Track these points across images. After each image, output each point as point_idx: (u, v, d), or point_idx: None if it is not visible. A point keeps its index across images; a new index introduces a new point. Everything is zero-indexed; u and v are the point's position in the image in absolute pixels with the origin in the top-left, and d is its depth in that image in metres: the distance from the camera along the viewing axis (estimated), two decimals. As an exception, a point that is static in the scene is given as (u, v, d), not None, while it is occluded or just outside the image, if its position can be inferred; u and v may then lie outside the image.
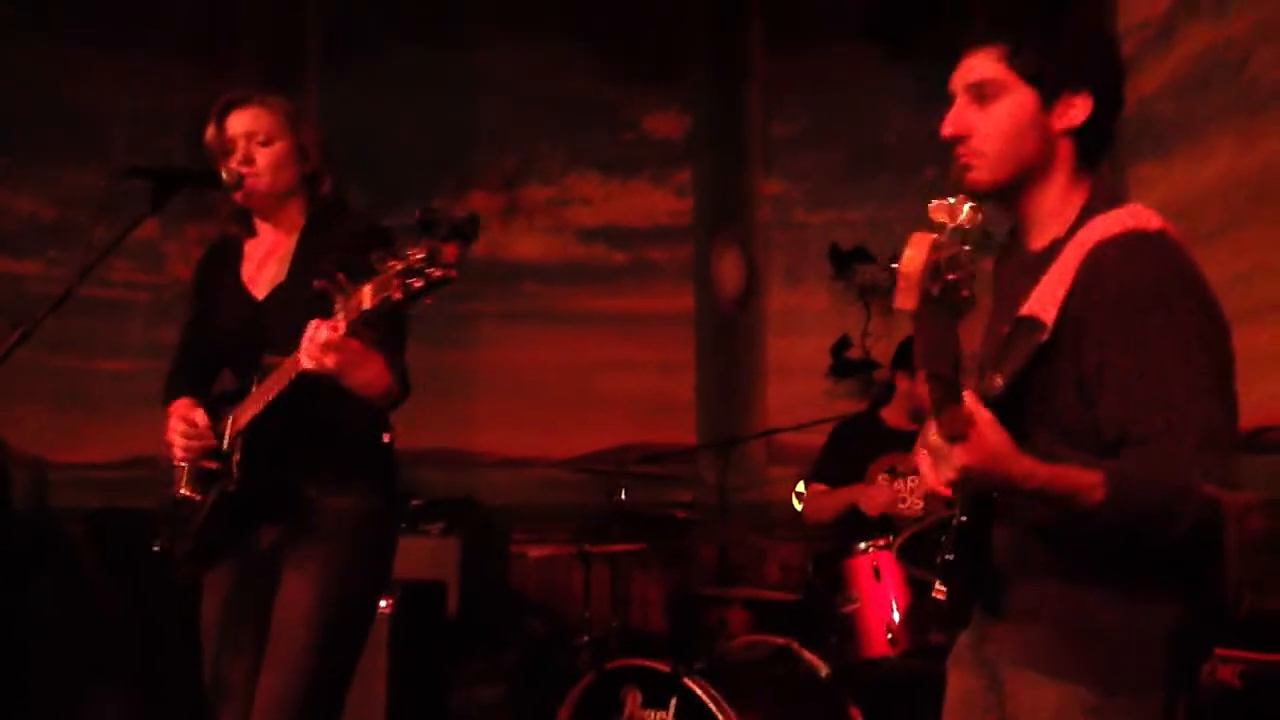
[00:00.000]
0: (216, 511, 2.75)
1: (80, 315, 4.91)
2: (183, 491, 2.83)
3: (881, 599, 3.67)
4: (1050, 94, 1.89)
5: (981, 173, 1.92)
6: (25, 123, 5.93)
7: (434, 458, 5.89)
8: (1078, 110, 1.90)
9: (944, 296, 1.47)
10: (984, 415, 1.67)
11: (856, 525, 4.14)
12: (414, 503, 5.22)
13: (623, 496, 4.59)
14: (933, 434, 1.69)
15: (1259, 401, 4.10)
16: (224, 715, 2.78)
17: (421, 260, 2.22)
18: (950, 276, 1.47)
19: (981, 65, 1.91)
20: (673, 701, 3.57)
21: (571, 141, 6.43)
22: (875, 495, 4.16)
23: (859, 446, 4.40)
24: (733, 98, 6.42)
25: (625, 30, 6.35)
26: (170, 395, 2.97)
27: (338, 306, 2.35)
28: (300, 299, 2.66)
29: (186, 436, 2.76)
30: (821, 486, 4.43)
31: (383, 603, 4.14)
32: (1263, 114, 4.31)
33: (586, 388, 6.15)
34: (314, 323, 2.39)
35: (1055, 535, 1.87)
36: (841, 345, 5.96)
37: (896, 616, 3.63)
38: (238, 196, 2.82)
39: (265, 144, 2.83)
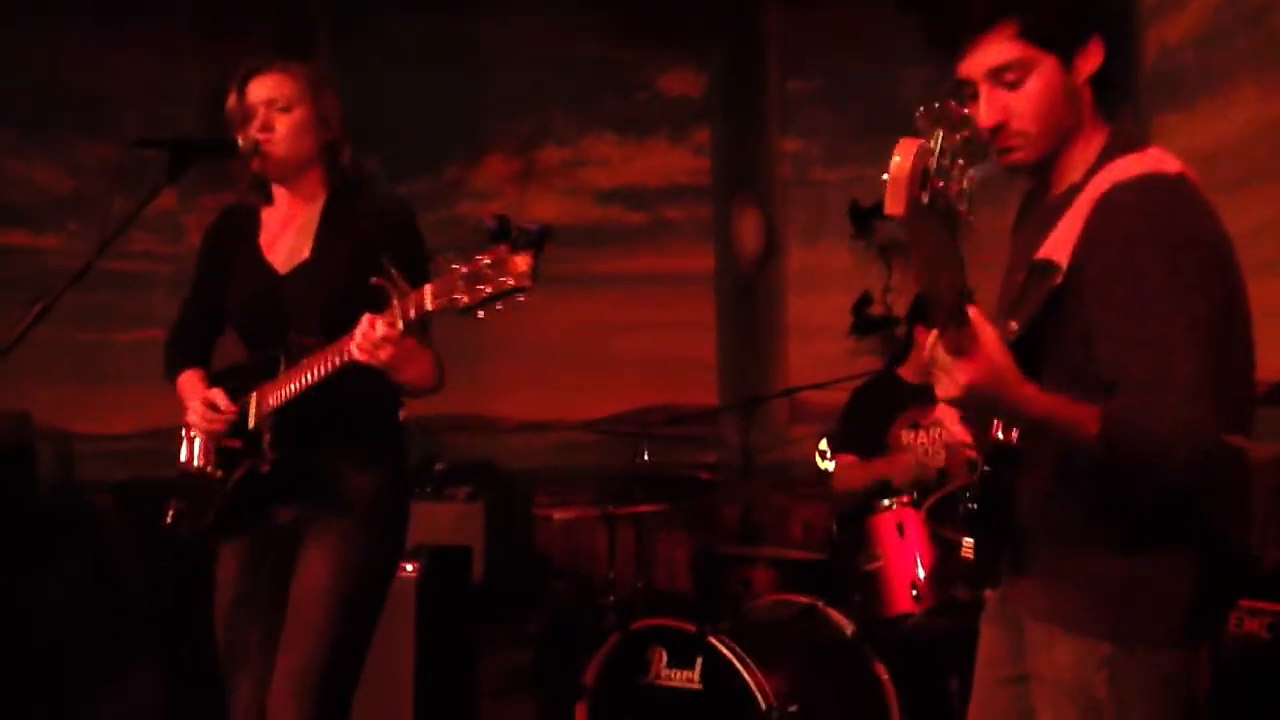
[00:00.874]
0: (241, 488, 2.76)
1: (101, 288, 4.91)
2: (201, 465, 2.85)
3: (906, 556, 3.67)
4: (1068, 54, 1.88)
5: (1025, 152, 1.92)
6: (39, 96, 5.93)
7: (456, 423, 5.90)
8: (1094, 57, 1.89)
9: (935, 204, 1.44)
10: (989, 334, 1.66)
11: (883, 490, 4.14)
12: (437, 468, 5.25)
13: (645, 458, 4.59)
14: (939, 349, 1.67)
15: (1278, 354, 4.08)
16: (239, 683, 2.79)
17: (489, 267, 2.26)
18: (940, 184, 1.44)
19: (997, 49, 1.87)
20: (698, 661, 3.59)
21: (586, 103, 6.39)
22: (905, 463, 4.16)
23: (880, 408, 4.39)
24: (749, 55, 6.37)
25: (638, -11, 6.31)
26: (174, 367, 3.00)
27: (395, 302, 2.35)
28: (325, 277, 2.77)
29: (209, 419, 2.77)
30: (850, 458, 4.42)
31: (409, 567, 4.17)
32: (1286, 63, 4.27)
33: (607, 350, 6.14)
34: (369, 317, 2.39)
35: (1072, 497, 1.87)
36: (862, 302, 5.94)
37: (921, 573, 3.64)
38: (255, 164, 2.81)
39: (285, 110, 2.81)
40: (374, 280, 2.38)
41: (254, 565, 2.84)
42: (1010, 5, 1.86)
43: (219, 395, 2.78)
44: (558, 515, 4.99)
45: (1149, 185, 1.81)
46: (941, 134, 1.44)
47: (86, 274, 2.52)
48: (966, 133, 1.49)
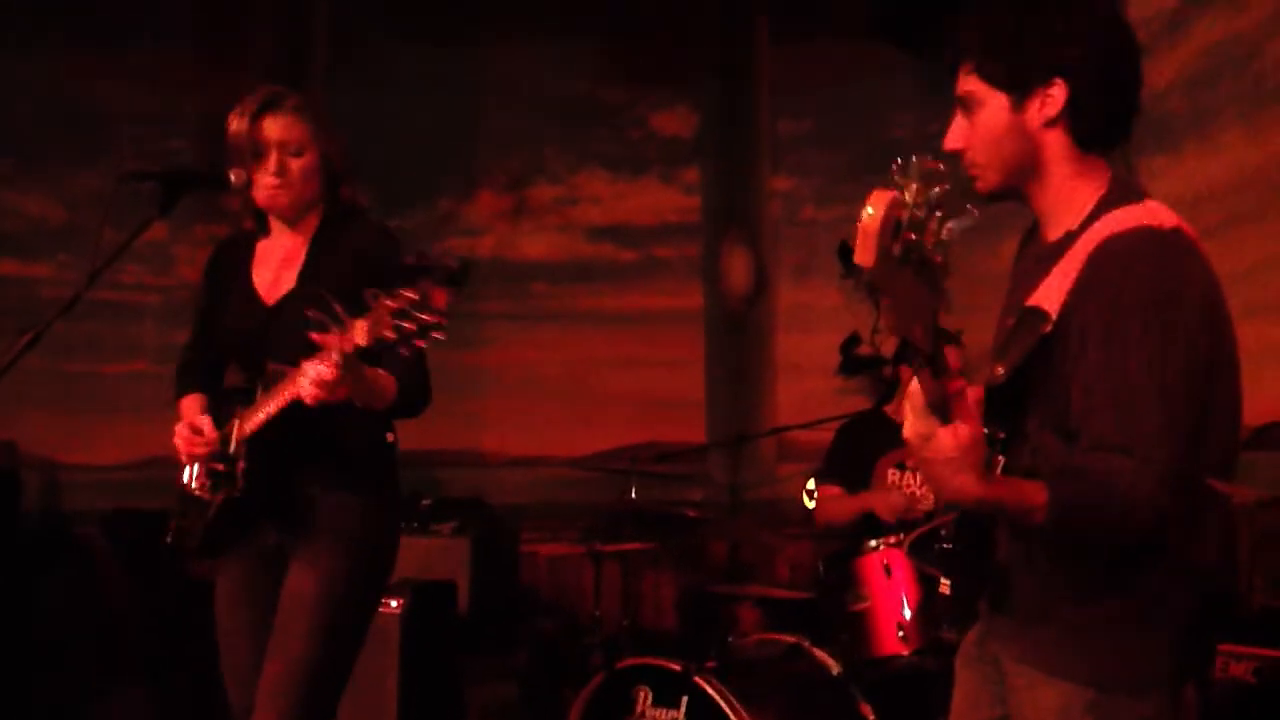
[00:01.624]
0: (224, 511, 2.82)
1: (90, 318, 4.91)
2: (193, 488, 2.88)
3: (892, 596, 3.66)
4: (1019, 95, 1.90)
5: (982, 181, 1.96)
6: (33, 125, 5.94)
7: (443, 458, 5.89)
8: (1053, 101, 1.89)
9: (907, 256, 1.46)
10: (971, 427, 1.68)
11: (868, 524, 4.14)
12: (424, 503, 5.23)
13: (633, 495, 4.58)
14: (916, 391, 1.69)
15: (1267, 397, 4.09)
16: (235, 701, 2.86)
17: (414, 302, 2.29)
18: (912, 236, 1.45)
19: (963, 79, 1.95)
20: (684, 700, 3.57)
21: (579, 140, 6.42)
22: (893, 502, 4.15)
23: (866, 444, 4.39)
24: (740, 95, 6.41)
25: (632, 29, 6.34)
26: (181, 390, 3.04)
27: (332, 340, 2.41)
28: (310, 305, 2.65)
29: (191, 442, 2.82)
30: (835, 490, 4.42)
31: (394, 603, 4.16)
32: (1272, 107, 4.30)
33: (595, 386, 6.15)
34: (308, 362, 2.46)
35: (1050, 539, 1.87)
36: (851, 342, 5.93)
37: (908, 614, 3.62)
38: (260, 199, 2.84)
39: (297, 154, 2.84)
40: (308, 311, 2.43)
41: (247, 589, 2.90)
42: (974, 42, 1.93)
43: (205, 421, 2.82)
44: (544, 551, 4.98)
45: (1141, 239, 1.81)
46: (916, 187, 1.46)
47: (75, 304, 2.52)
48: (943, 186, 1.49)
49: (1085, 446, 1.78)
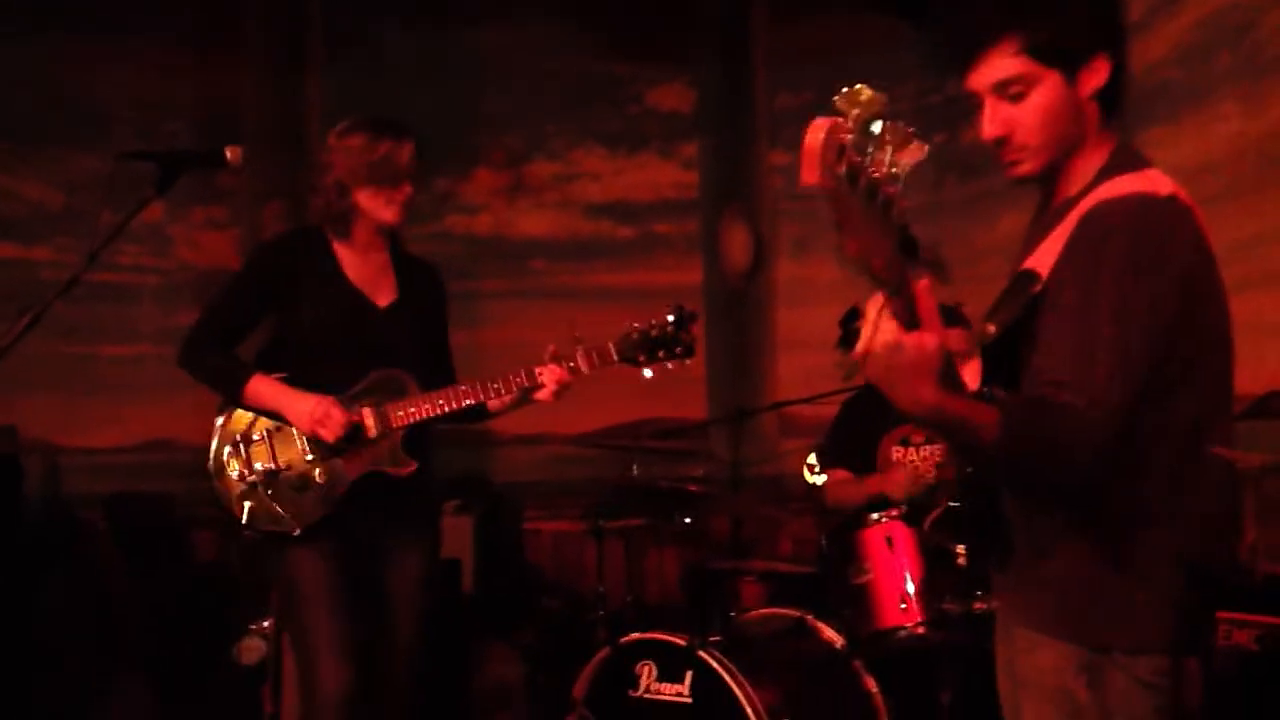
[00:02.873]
0: (352, 493, 3.14)
1: (89, 301, 4.91)
2: (291, 467, 3.15)
3: (895, 569, 3.66)
4: (1072, 69, 1.90)
5: (1028, 164, 1.95)
6: (30, 109, 5.92)
7: (446, 436, 5.89)
8: (1099, 73, 1.91)
9: (854, 179, 1.45)
10: (931, 334, 1.66)
11: (877, 504, 4.14)
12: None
13: (635, 472, 4.59)
14: (878, 309, 1.68)
15: (1271, 366, 4.10)
16: (346, 668, 3.08)
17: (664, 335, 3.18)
18: (857, 159, 1.45)
19: (1001, 63, 1.90)
20: (688, 675, 3.58)
21: (577, 117, 6.41)
22: (900, 480, 4.15)
23: (869, 423, 4.38)
24: (738, 70, 6.39)
25: (629, 4, 6.32)
26: (241, 371, 3.18)
27: (579, 356, 3.16)
28: (415, 317, 3.31)
29: (335, 426, 3.09)
30: (844, 473, 4.41)
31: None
32: (1270, 79, 4.28)
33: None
34: (553, 368, 3.15)
35: (1049, 502, 1.90)
36: (850, 316, 5.93)
37: (910, 586, 3.63)
38: (389, 217, 3.22)
39: (412, 182, 3.24)
40: (552, 347, 3.17)
41: (339, 556, 3.15)
42: (1014, 21, 1.89)
43: (338, 405, 3.10)
44: (548, 528, 4.98)
45: (1130, 204, 1.83)
46: (857, 113, 1.46)
47: (74, 285, 2.52)
48: (883, 114, 1.48)
49: (1041, 381, 1.81)
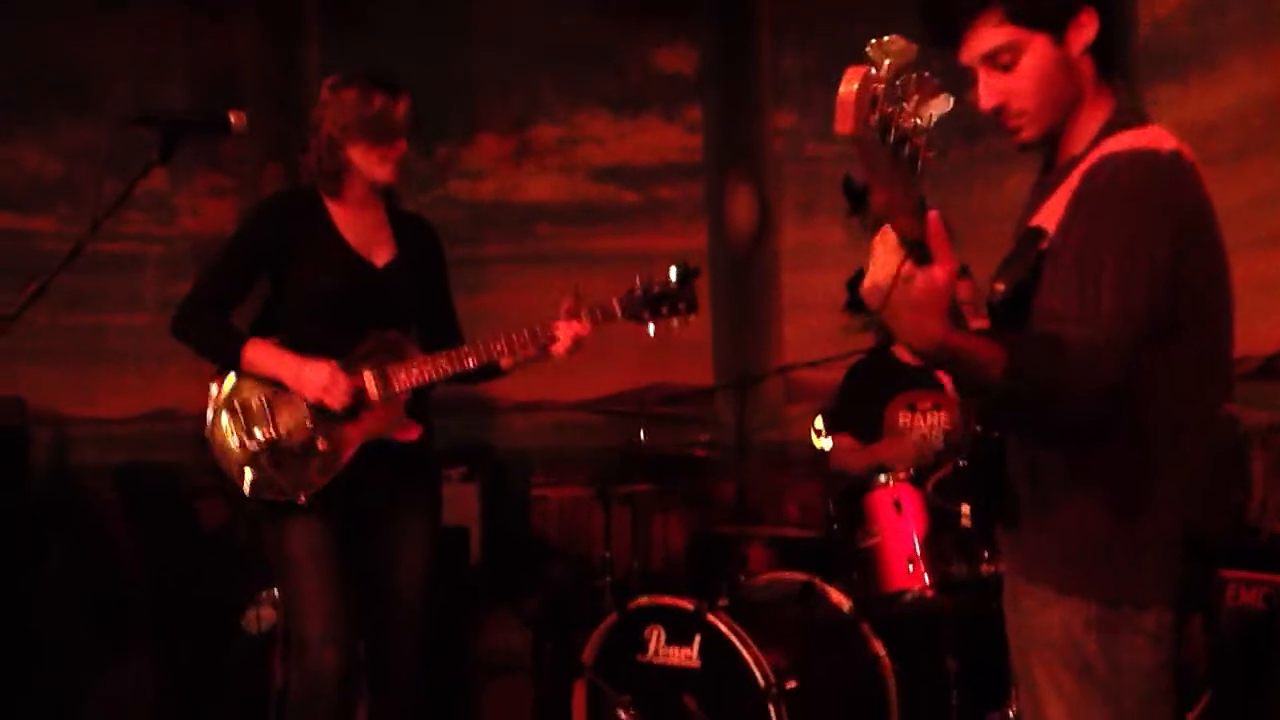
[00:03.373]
0: (362, 454, 3.11)
1: (93, 271, 4.89)
2: (293, 435, 3.10)
3: (903, 532, 3.67)
4: (1059, 28, 1.92)
5: (1029, 130, 1.98)
6: (27, 78, 5.89)
7: (451, 404, 5.88)
8: (1088, 28, 1.93)
9: (885, 130, 1.46)
10: (943, 269, 1.65)
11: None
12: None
13: (641, 438, 4.59)
14: (889, 235, 1.67)
15: (1275, 327, 4.08)
16: (342, 642, 3.07)
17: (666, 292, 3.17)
18: (889, 109, 1.46)
19: (987, 35, 1.93)
20: (697, 638, 3.59)
21: (579, 81, 6.36)
22: (904, 452, 4.14)
23: (876, 388, 4.36)
24: (742, 31, 6.34)
25: (630, -35, 6.27)
26: (235, 338, 3.13)
27: (583, 313, 3.13)
28: (415, 275, 3.25)
29: (340, 393, 3.05)
30: (849, 440, 4.40)
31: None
32: (1279, 36, 4.25)
33: (601, 329, 6.10)
34: (568, 323, 3.13)
35: (1055, 458, 1.92)
36: (857, 279, 5.88)
37: (918, 549, 3.63)
38: (382, 174, 3.15)
39: (405, 140, 3.20)
40: (566, 302, 3.15)
41: (338, 530, 3.13)
42: None
43: (341, 371, 3.06)
44: (554, 495, 4.99)
45: (1135, 159, 1.85)
46: (889, 63, 1.46)
47: (79, 254, 2.51)
48: (918, 70, 1.49)
49: (1048, 318, 1.83)
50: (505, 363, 3.23)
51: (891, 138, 1.47)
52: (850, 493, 3.90)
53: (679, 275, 3.17)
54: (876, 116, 1.45)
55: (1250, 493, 3.36)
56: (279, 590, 3.33)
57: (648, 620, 3.70)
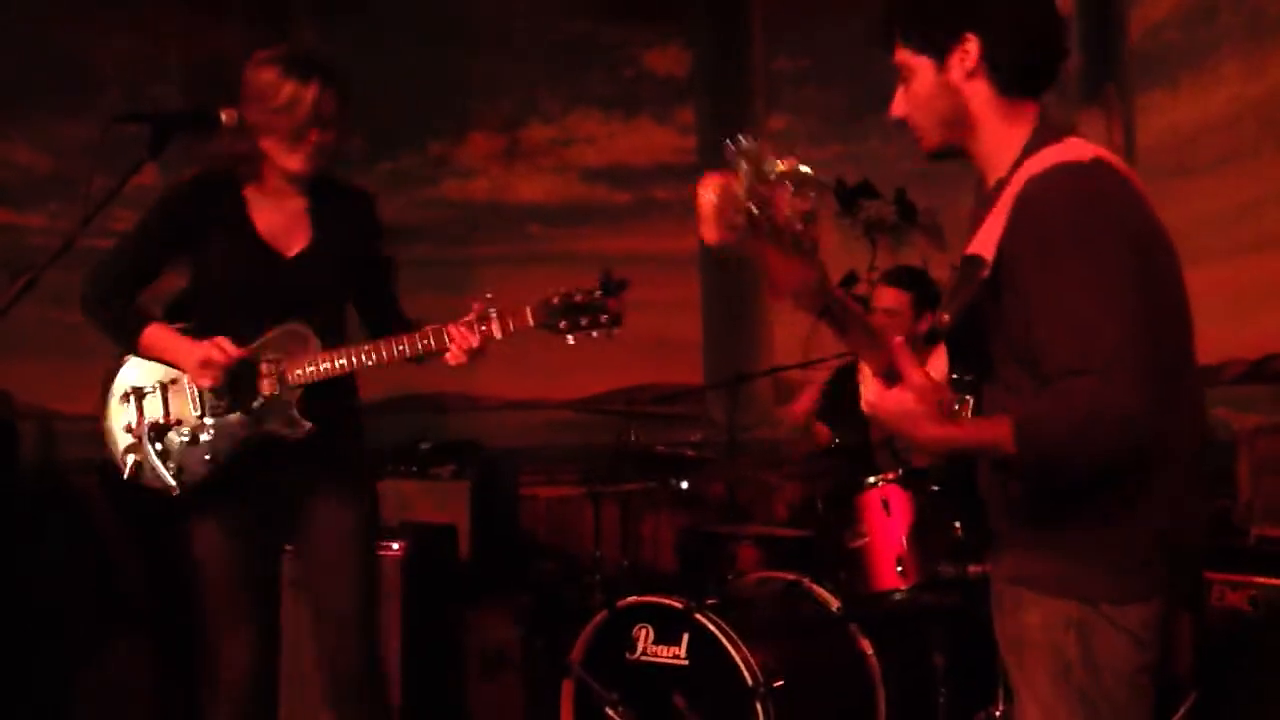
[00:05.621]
0: (247, 449, 2.96)
1: (84, 266, 4.88)
2: (180, 421, 2.99)
3: (891, 532, 3.68)
4: (940, 55, 2.05)
5: (924, 142, 2.13)
6: (18, 74, 5.88)
7: (441, 402, 5.90)
8: (969, 54, 2.03)
9: (754, 226, 1.53)
10: (916, 378, 1.80)
11: (865, 460, 4.15)
12: (423, 447, 5.24)
13: (631, 437, 4.59)
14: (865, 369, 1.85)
15: (1267, 330, 4.09)
16: (236, 641, 2.99)
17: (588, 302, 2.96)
18: (753, 209, 1.53)
19: (897, 53, 2.11)
20: (685, 637, 3.60)
21: (572, 81, 6.36)
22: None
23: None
24: (734, 33, 6.35)
25: (623, -34, 6.28)
26: (135, 320, 3.03)
27: (492, 320, 2.91)
28: (327, 265, 3.05)
29: (223, 368, 2.90)
30: (825, 430, 4.46)
31: (394, 546, 4.18)
32: (1270, 41, 4.26)
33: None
34: (463, 331, 2.90)
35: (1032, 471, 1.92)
36: (847, 281, 5.93)
37: (906, 549, 3.64)
38: (302, 165, 2.95)
39: (334, 128, 2.96)
40: (477, 304, 2.92)
41: (241, 532, 3.00)
42: (893, 15, 2.12)
43: (231, 348, 2.90)
44: (543, 494, 4.99)
45: (1058, 173, 1.91)
46: (745, 165, 1.54)
47: (69, 249, 2.51)
48: (780, 162, 1.56)
49: (1056, 378, 1.85)
50: (406, 356, 2.98)
51: (765, 231, 1.54)
52: (839, 492, 3.91)
53: (604, 286, 2.99)
54: (742, 218, 1.53)
55: (1232, 495, 3.36)
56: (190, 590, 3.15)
57: (636, 619, 3.71)
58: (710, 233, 1.54)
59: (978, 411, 1.95)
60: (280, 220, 3.03)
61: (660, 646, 3.64)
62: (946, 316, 2.00)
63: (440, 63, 6.23)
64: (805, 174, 1.56)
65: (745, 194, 1.53)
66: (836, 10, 5.94)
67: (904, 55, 2.09)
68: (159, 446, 2.99)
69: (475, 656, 4.63)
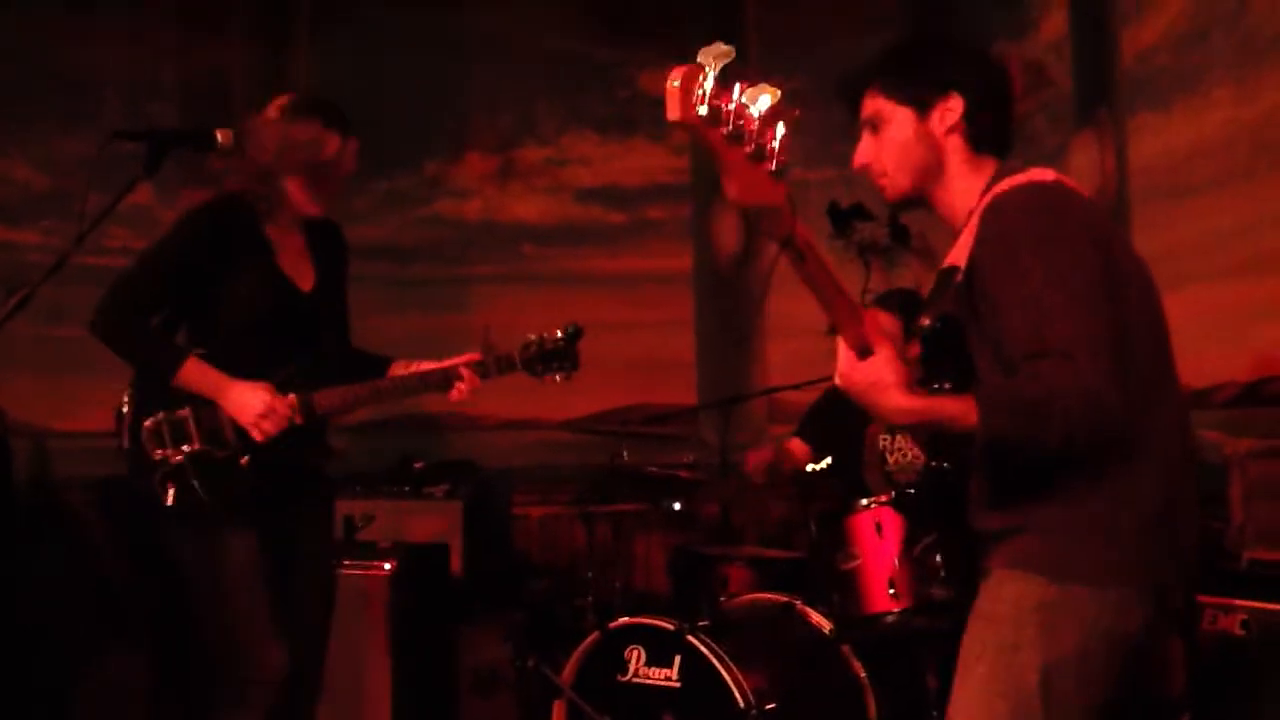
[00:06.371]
0: (270, 474, 3.12)
1: (78, 283, 4.86)
2: (241, 445, 3.09)
3: (884, 555, 3.67)
4: (923, 106, 2.20)
5: (890, 188, 2.25)
6: (17, 90, 5.88)
7: (435, 421, 5.89)
8: (953, 111, 2.18)
9: (715, 118, 1.56)
10: (884, 350, 1.88)
11: (856, 482, 4.14)
12: (416, 466, 5.24)
13: (624, 457, 4.59)
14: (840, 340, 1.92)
15: (1260, 352, 4.10)
16: (267, 649, 3.11)
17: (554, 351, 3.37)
18: (715, 103, 1.56)
19: (870, 103, 2.24)
20: (677, 659, 3.59)
21: (567, 101, 6.38)
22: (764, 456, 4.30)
23: (855, 410, 4.38)
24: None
25: (620, -13, 6.30)
26: (176, 349, 3.10)
27: (489, 362, 3.27)
28: (334, 300, 3.29)
29: (279, 420, 3.07)
30: (800, 446, 4.49)
31: (385, 565, 4.19)
32: (1262, 64, 4.28)
33: (586, 349, 6.08)
34: (468, 373, 3.23)
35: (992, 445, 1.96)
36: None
37: (899, 572, 3.64)
38: (316, 208, 3.17)
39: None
40: (476, 356, 3.28)
41: (263, 548, 3.15)
42: (875, 70, 2.25)
43: (280, 399, 3.08)
44: (536, 514, 4.98)
45: (1019, 190, 2.05)
46: (714, 62, 1.59)
47: (62, 266, 2.51)
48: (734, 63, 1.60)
49: (1019, 363, 1.91)
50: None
51: (726, 129, 1.58)
52: (832, 515, 3.91)
53: (567, 335, 3.37)
54: (705, 108, 1.56)
55: (1224, 518, 3.37)
56: (202, 607, 3.22)
57: (628, 640, 3.70)
58: (673, 109, 1.56)
59: None
60: (291, 257, 3.19)
61: (652, 668, 3.63)
62: (926, 320, 2.08)
63: (436, 82, 6.24)
64: (761, 84, 1.62)
65: (711, 87, 1.56)
66: (832, 32, 5.98)
67: (879, 104, 2.22)
68: (196, 473, 3.04)
69: (467, 675, 4.61)
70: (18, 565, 4.73)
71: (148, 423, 3.07)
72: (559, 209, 6.36)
